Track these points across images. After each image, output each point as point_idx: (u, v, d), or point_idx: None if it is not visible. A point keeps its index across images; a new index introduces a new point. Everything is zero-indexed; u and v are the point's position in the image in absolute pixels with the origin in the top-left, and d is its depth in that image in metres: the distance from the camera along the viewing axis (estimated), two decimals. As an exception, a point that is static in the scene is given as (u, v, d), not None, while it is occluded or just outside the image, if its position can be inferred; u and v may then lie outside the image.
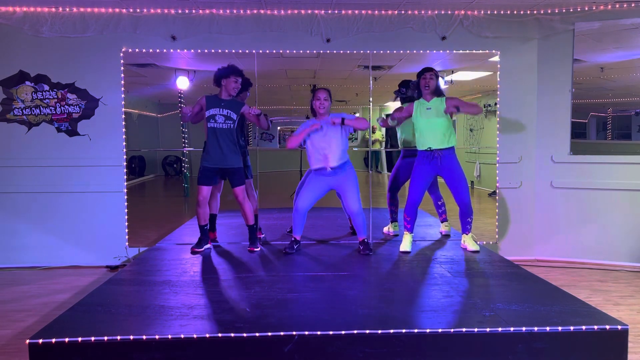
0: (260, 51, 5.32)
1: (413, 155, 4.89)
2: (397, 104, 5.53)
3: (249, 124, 5.39)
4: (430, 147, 4.56)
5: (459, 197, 4.62)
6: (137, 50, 5.30)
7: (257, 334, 2.74)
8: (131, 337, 2.71)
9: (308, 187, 4.66)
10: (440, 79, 4.74)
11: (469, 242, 4.71)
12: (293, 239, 4.75)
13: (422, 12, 5.35)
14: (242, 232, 5.42)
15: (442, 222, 5.46)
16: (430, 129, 4.58)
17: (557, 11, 5.35)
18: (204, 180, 4.60)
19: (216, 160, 4.57)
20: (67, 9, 5.19)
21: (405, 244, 4.68)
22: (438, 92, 4.66)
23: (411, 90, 4.93)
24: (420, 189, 4.65)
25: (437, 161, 4.57)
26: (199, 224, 4.71)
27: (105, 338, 2.70)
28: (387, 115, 5.01)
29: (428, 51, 5.46)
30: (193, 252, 4.66)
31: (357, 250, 4.74)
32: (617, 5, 5.14)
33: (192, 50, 5.33)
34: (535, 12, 5.39)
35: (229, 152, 4.57)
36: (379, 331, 2.77)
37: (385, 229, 5.52)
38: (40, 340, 2.68)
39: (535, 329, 2.81)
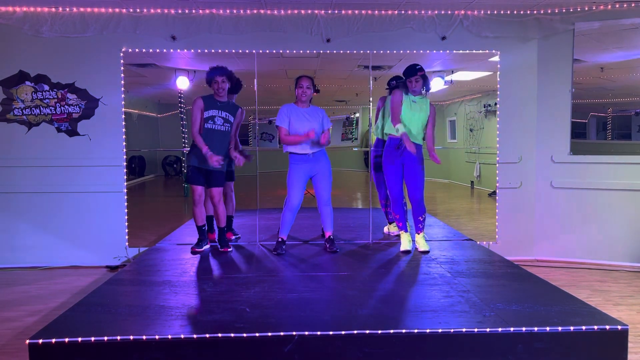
0: (260, 51, 5.31)
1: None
2: None
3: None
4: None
5: (411, 193, 4.57)
6: (137, 50, 5.30)
7: (257, 334, 2.74)
8: (131, 337, 2.71)
9: (295, 183, 4.59)
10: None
11: (420, 242, 4.66)
12: (280, 239, 4.70)
13: (422, 12, 5.35)
14: (243, 232, 5.43)
15: (390, 222, 5.44)
16: (411, 122, 4.52)
17: (557, 11, 5.35)
18: (195, 180, 4.57)
19: (203, 161, 4.51)
20: (67, 9, 5.19)
21: (405, 244, 4.67)
22: (426, 86, 4.61)
23: (402, 86, 4.86)
24: (398, 183, 4.60)
25: (401, 151, 4.50)
26: (197, 224, 4.70)
27: (105, 338, 2.70)
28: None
29: (428, 51, 5.46)
30: (193, 252, 4.65)
31: (324, 248, 4.75)
32: (617, 5, 5.14)
33: (192, 50, 5.33)
34: (535, 12, 5.39)
35: (219, 155, 4.51)
36: (379, 331, 2.77)
37: (386, 229, 5.52)
38: (40, 340, 2.68)
39: (535, 329, 2.81)
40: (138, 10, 5.21)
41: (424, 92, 4.62)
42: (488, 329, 2.81)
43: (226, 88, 4.57)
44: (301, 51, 5.41)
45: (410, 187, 4.58)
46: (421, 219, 4.63)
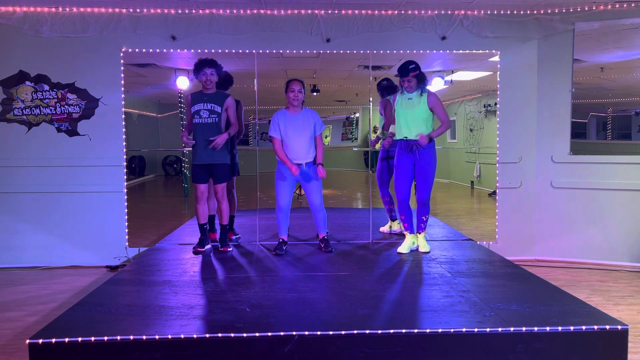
0: (260, 51, 5.32)
1: (391, 157, 4.90)
2: None
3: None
4: (406, 137, 4.48)
5: (419, 193, 4.57)
6: (137, 50, 5.30)
7: (257, 334, 2.74)
8: (131, 337, 2.71)
9: (281, 186, 4.65)
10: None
11: (420, 242, 4.67)
12: (281, 240, 4.73)
13: (422, 12, 5.35)
14: (243, 232, 5.43)
15: (392, 220, 5.44)
16: (409, 119, 4.48)
17: (557, 11, 5.35)
18: (197, 179, 4.56)
19: (204, 157, 4.51)
20: (67, 9, 5.19)
21: (407, 245, 4.66)
22: (421, 87, 4.48)
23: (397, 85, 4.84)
24: (406, 183, 4.56)
25: (415, 153, 4.47)
26: (199, 222, 4.69)
27: (105, 338, 2.70)
28: (380, 134, 4.94)
29: (428, 51, 5.45)
30: (195, 252, 4.64)
31: (318, 247, 4.76)
32: (617, 5, 5.14)
33: (192, 50, 5.33)
34: (535, 12, 5.39)
35: (211, 149, 4.49)
36: (379, 331, 2.77)
37: (382, 229, 5.53)
38: (40, 340, 2.68)
39: (535, 329, 2.81)
40: (138, 10, 5.21)
41: (418, 93, 4.48)
42: (488, 329, 2.81)
43: (214, 80, 4.52)
44: (301, 51, 5.41)
45: (419, 187, 4.56)
46: (424, 219, 4.63)
